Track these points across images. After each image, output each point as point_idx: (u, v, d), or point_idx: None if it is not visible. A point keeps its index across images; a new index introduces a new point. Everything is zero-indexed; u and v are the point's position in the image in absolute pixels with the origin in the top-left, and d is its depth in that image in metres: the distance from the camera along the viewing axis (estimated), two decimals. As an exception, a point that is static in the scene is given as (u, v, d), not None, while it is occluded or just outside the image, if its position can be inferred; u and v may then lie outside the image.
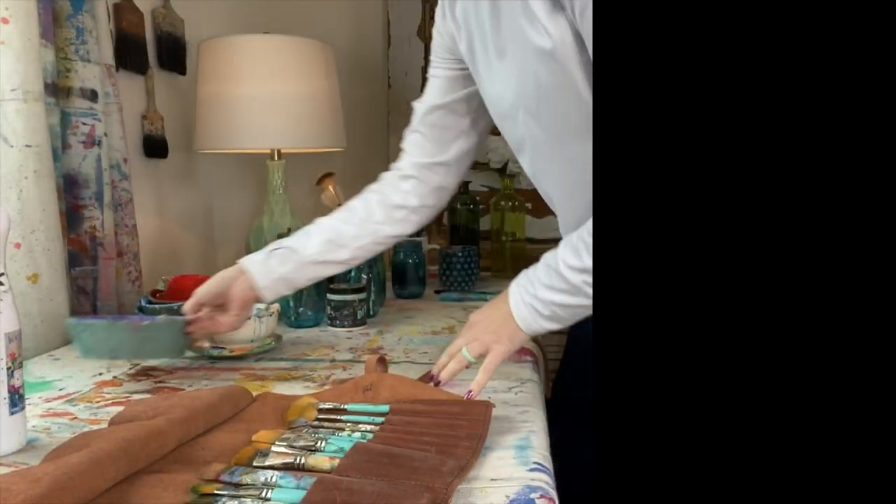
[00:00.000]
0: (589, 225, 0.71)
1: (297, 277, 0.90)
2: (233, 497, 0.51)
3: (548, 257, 0.75)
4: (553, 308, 0.73)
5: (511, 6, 0.74)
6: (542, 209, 0.90)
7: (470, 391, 0.72)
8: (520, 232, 1.62)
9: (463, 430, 0.62)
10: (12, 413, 0.62)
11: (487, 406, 0.66)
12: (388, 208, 0.93)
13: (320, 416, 0.66)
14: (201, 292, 0.87)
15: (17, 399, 0.62)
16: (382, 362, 0.78)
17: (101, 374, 0.88)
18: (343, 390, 0.72)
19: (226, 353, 0.95)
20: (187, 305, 0.88)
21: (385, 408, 0.67)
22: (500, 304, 0.77)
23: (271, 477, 0.53)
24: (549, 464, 0.60)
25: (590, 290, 0.70)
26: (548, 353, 1.09)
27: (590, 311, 0.72)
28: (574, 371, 1.28)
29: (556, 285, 0.72)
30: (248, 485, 0.53)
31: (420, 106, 0.93)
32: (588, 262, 0.70)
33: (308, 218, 0.97)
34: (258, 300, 0.89)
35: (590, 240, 0.70)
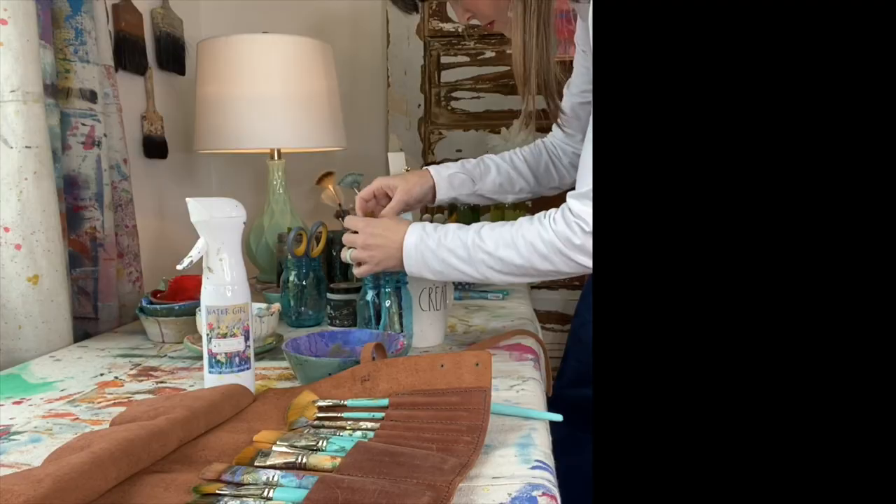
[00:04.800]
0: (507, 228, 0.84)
1: (465, 199, 1.10)
2: (234, 496, 0.51)
3: (461, 233, 0.86)
4: (444, 268, 0.87)
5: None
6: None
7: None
8: (520, 230, 1.62)
9: (463, 423, 0.62)
10: None
11: (486, 394, 0.65)
12: (550, 173, 1.13)
13: (321, 415, 0.66)
14: (378, 181, 1.00)
15: None
16: (380, 349, 0.77)
17: (102, 374, 0.88)
18: (340, 381, 0.72)
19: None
20: (365, 192, 0.99)
21: (384, 401, 0.67)
22: (395, 236, 0.89)
23: (273, 476, 0.53)
24: (550, 461, 0.60)
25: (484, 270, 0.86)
26: (549, 352, 1.09)
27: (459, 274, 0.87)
28: (575, 369, 1.29)
29: (458, 253, 0.86)
30: (249, 484, 0.53)
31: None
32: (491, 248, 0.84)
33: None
34: (428, 201, 1.05)
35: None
